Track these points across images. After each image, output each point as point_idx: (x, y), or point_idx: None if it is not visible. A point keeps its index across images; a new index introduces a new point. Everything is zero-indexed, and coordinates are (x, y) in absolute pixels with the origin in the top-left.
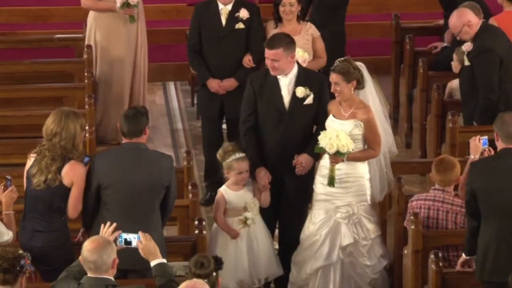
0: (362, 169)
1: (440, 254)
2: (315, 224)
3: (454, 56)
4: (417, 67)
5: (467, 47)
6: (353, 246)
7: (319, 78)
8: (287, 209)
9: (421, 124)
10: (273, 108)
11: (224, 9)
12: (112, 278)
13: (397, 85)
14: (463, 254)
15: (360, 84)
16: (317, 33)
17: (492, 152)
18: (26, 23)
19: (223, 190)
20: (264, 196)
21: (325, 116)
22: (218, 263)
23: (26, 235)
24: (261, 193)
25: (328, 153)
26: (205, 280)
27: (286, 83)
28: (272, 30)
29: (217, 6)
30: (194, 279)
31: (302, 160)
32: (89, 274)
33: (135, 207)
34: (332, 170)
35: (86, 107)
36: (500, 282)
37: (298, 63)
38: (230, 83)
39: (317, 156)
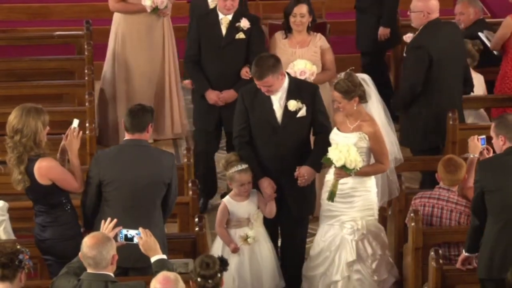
0: (369, 183)
1: (440, 252)
2: (325, 241)
3: None
4: None
5: (407, 38)
6: (360, 263)
7: (311, 88)
8: (287, 221)
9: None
10: (266, 122)
11: (225, 19)
12: (112, 274)
13: (397, 82)
14: (464, 251)
15: (362, 99)
16: (326, 44)
17: (491, 151)
18: (26, 20)
19: (227, 200)
20: (270, 207)
21: (321, 125)
22: (224, 264)
23: (38, 227)
24: (266, 204)
25: (334, 166)
26: (210, 281)
27: (277, 98)
28: (280, 40)
29: (217, 15)
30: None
31: (304, 173)
32: (89, 270)
33: (136, 204)
34: (334, 185)
35: (87, 104)
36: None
37: (288, 74)
38: (229, 95)
39: (318, 168)
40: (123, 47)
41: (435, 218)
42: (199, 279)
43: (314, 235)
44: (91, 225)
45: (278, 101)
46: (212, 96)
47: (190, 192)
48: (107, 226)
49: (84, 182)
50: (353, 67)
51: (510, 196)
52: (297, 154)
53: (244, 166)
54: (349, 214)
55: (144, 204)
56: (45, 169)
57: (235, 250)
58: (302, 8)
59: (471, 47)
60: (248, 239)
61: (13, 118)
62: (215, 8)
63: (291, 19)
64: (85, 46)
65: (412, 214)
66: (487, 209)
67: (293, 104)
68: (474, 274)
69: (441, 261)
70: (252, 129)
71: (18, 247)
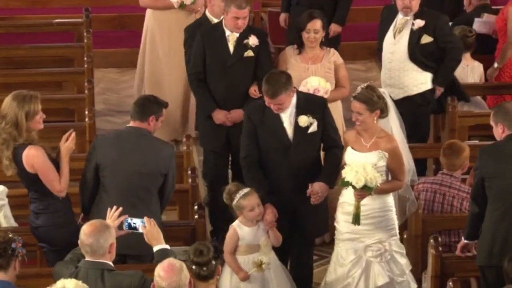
0: (390, 201)
1: (439, 239)
2: (345, 265)
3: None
4: None
5: (419, 23)
6: (388, 285)
7: (320, 102)
8: (299, 241)
9: None
10: (277, 141)
11: (232, 36)
12: (109, 263)
13: None
14: (463, 239)
15: (383, 113)
16: (340, 60)
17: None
18: (25, 8)
19: (236, 225)
20: (273, 235)
21: (332, 139)
22: (218, 251)
23: (33, 214)
24: (270, 231)
25: (355, 188)
26: (204, 268)
27: (287, 115)
28: (292, 56)
29: (223, 32)
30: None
31: (317, 189)
32: (86, 258)
33: (132, 191)
34: (357, 207)
35: (86, 91)
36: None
37: (295, 88)
38: (238, 114)
39: (332, 183)
40: (151, 43)
41: (436, 204)
42: (193, 267)
43: (323, 258)
44: (88, 210)
45: (288, 118)
46: (220, 116)
47: (190, 180)
48: (112, 214)
49: (66, 188)
50: (372, 81)
51: (510, 183)
52: (310, 171)
53: (247, 189)
54: (373, 236)
55: (140, 191)
56: (31, 157)
57: (245, 279)
58: (316, 24)
59: (468, 33)
60: (263, 265)
61: (4, 103)
62: (220, 23)
63: (305, 35)
64: (85, 34)
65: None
66: (487, 196)
67: (304, 120)
68: (473, 261)
69: (440, 248)
70: (261, 148)
71: (10, 235)
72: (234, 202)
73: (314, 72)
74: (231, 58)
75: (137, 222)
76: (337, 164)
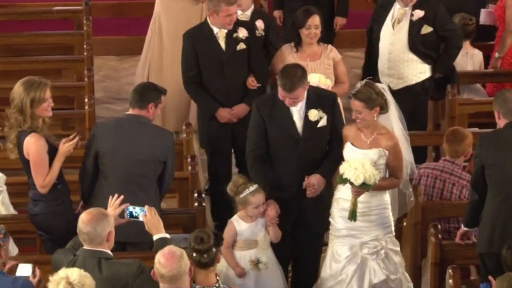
0: (386, 198)
1: (439, 226)
2: (340, 262)
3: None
4: None
5: (419, 13)
6: (382, 283)
7: (330, 96)
8: (305, 236)
9: None
10: (287, 135)
11: (221, 32)
12: (107, 251)
13: None
14: (462, 226)
15: (383, 109)
16: (338, 56)
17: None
18: None
19: (235, 220)
20: (273, 231)
21: (338, 135)
22: (218, 238)
23: (31, 202)
24: (270, 227)
25: (353, 185)
26: (204, 255)
27: (297, 108)
28: (290, 54)
29: (211, 30)
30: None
31: (314, 182)
32: (84, 246)
33: (131, 179)
34: (354, 204)
35: (86, 79)
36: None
37: None
38: (241, 109)
39: (330, 176)
40: (157, 30)
41: (436, 190)
42: (194, 254)
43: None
44: (88, 198)
45: (298, 112)
46: (224, 114)
47: (189, 168)
48: (113, 202)
49: (50, 188)
50: (371, 76)
51: (510, 170)
52: (318, 166)
53: (255, 186)
54: (370, 233)
55: (139, 179)
56: (28, 144)
57: (241, 275)
58: (316, 19)
59: (468, 22)
60: (259, 264)
61: (14, 89)
62: (205, 22)
63: (305, 31)
64: (84, 21)
65: (411, 189)
66: (487, 184)
67: (314, 114)
68: (473, 249)
69: (440, 236)
70: (270, 142)
71: None
72: (241, 196)
73: (313, 69)
74: (225, 54)
75: (138, 211)
76: (339, 161)
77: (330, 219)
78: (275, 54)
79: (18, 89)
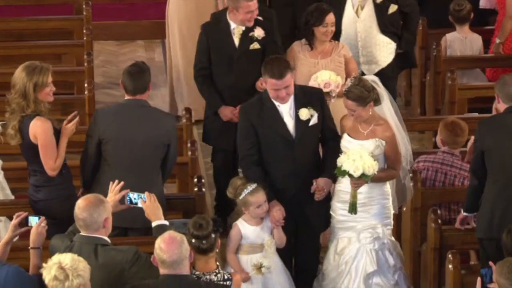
0: (387, 189)
1: (439, 212)
2: (340, 254)
3: None
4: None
5: None
6: (381, 275)
7: (317, 93)
8: (305, 236)
9: (421, 81)
10: (278, 137)
11: (237, 29)
12: (104, 237)
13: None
14: (462, 211)
15: (377, 102)
16: (349, 53)
17: None
18: None
19: (240, 223)
20: (278, 235)
21: (332, 131)
22: (217, 224)
23: (32, 188)
24: (275, 231)
25: (352, 177)
26: (204, 241)
27: (286, 109)
28: (300, 52)
29: (228, 25)
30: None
31: (322, 185)
32: (81, 232)
33: (135, 164)
34: (354, 196)
35: (85, 64)
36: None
37: None
38: None
39: (335, 177)
40: (171, 26)
41: (437, 183)
42: (193, 240)
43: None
44: (89, 186)
45: (287, 112)
46: (227, 112)
47: (189, 153)
48: (114, 188)
49: (59, 168)
50: (360, 71)
51: (509, 155)
52: (312, 166)
53: (254, 185)
54: (366, 222)
55: (143, 164)
56: (35, 127)
57: (246, 280)
58: (331, 16)
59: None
60: (262, 268)
61: (15, 73)
62: (224, 16)
63: (321, 29)
64: (84, 6)
65: (411, 175)
66: (487, 169)
67: (305, 113)
68: (472, 234)
69: (439, 221)
70: (262, 146)
71: None
72: (240, 197)
73: (324, 66)
74: (237, 51)
75: (137, 196)
76: (339, 156)
77: (331, 212)
78: (284, 53)
79: (20, 74)
